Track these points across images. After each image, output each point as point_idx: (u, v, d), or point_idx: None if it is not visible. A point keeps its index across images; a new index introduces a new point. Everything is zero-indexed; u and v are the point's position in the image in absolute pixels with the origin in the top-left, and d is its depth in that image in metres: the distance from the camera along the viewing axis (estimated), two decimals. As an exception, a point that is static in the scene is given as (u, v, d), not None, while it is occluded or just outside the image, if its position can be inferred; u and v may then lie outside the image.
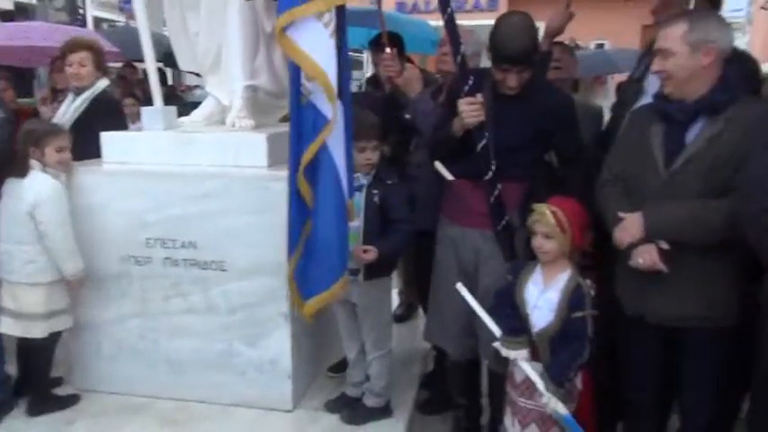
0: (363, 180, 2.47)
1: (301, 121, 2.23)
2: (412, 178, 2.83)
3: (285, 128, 2.98)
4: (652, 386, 2.15)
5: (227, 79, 2.88)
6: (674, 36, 1.88)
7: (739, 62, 2.25)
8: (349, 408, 2.65)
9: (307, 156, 2.21)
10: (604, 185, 2.16)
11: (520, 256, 2.30)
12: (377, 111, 2.73)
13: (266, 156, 2.63)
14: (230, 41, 2.80)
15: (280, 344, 2.61)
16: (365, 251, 2.37)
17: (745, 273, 1.89)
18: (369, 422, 2.61)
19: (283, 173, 2.49)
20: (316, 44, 2.12)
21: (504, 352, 2.13)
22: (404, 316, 3.72)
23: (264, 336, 2.61)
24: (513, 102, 2.28)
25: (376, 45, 3.67)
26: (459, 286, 2.31)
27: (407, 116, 2.88)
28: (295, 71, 2.20)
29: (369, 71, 7.98)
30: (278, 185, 2.48)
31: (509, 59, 2.18)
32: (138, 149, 2.79)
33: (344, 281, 2.32)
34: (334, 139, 2.22)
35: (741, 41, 10.46)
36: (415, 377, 3.11)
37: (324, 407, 2.71)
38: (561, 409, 2.01)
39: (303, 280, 2.33)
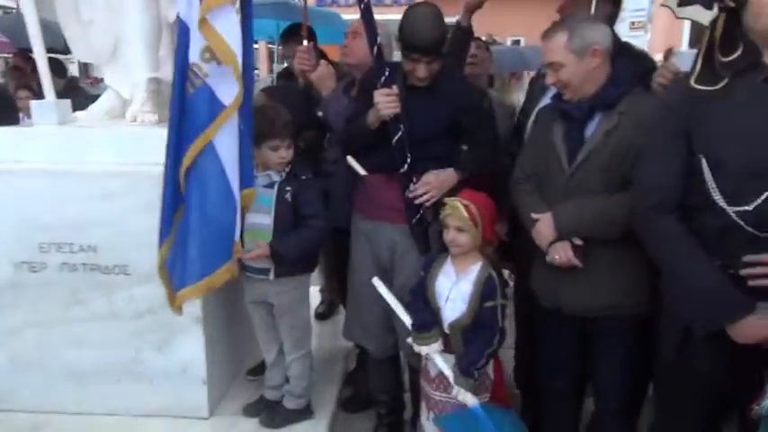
0: (276, 177, 2.39)
1: (191, 108, 2.11)
2: (327, 174, 2.77)
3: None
4: (567, 374, 2.21)
5: (127, 71, 2.70)
6: (558, 47, 1.93)
7: (636, 60, 2.35)
8: (268, 411, 2.57)
9: (198, 143, 2.11)
10: (517, 183, 2.20)
11: (434, 250, 2.30)
12: (290, 104, 2.65)
13: (171, 152, 2.48)
14: (129, 31, 2.63)
15: (192, 348, 2.48)
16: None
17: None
18: (289, 424, 2.54)
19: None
20: (231, 31, 2.05)
21: (416, 348, 2.13)
22: (325, 314, 3.66)
23: (175, 341, 2.47)
24: (425, 94, 2.27)
25: (289, 37, 3.57)
26: (375, 281, 2.29)
27: (320, 113, 2.81)
28: (181, 57, 2.08)
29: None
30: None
31: (418, 49, 2.16)
32: (31, 146, 2.56)
33: (224, 272, 2.19)
34: (225, 127, 2.13)
35: (643, 40, 11.05)
36: (337, 375, 3.07)
37: (242, 411, 2.61)
38: (470, 400, 2.02)
39: (174, 270, 2.20)
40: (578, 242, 1.96)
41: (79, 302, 2.46)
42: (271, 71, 19.33)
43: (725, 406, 1.76)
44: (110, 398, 2.54)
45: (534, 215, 2.04)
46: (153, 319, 2.46)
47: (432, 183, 2.25)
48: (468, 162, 2.31)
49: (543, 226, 2.00)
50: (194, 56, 2.08)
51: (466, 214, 2.05)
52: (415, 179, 2.27)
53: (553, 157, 2.02)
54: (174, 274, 2.18)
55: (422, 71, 2.20)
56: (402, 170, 2.26)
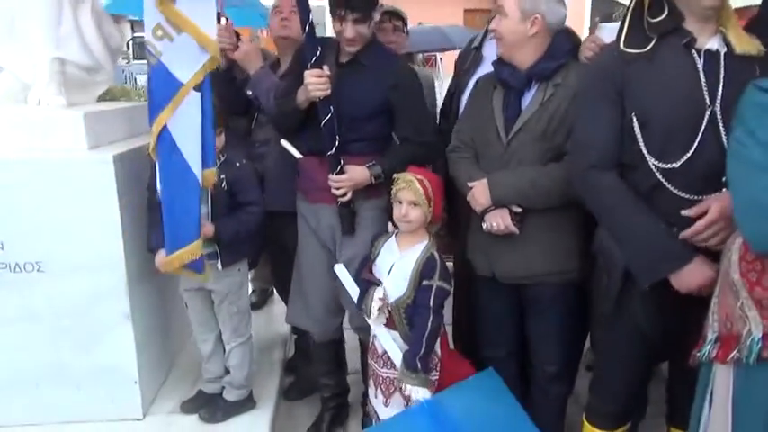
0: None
1: (150, 88, 2.06)
2: (259, 156, 2.67)
3: (104, 106, 2.67)
4: (506, 342, 2.25)
5: (26, 51, 2.46)
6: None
7: (567, 35, 2.40)
8: (208, 405, 2.45)
9: (156, 125, 2.05)
10: (453, 151, 2.20)
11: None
12: (215, 89, 2.52)
13: (85, 136, 2.29)
14: (26, 6, 2.39)
15: (122, 347, 2.32)
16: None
17: (584, 229, 2.02)
18: (231, 417, 2.44)
19: (108, 155, 2.21)
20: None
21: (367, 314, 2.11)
22: (258, 303, 3.55)
23: (102, 340, 2.30)
24: (356, 71, 2.22)
25: None
26: (338, 268, 2.23)
27: (249, 92, 2.70)
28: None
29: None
30: (102, 170, 2.18)
31: (345, 3, 2.10)
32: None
33: (187, 253, 2.11)
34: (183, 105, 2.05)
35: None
36: (276, 364, 2.98)
37: (179, 409, 2.48)
38: (422, 394, 1.99)
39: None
40: (517, 209, 1.99)
41: (-13, 305, 2.24)
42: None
43: (659, 357, 1.86)
44: (29, 407, 2.33)
45: (470, 183, 2.05)
46: (76, 319, 2.28)
47: (344, 181, 2.20)
48: (386, 161, 2.23)
49: (479, 193, 2.02)
50: (147, 33, 2.00)
51: (421, 189, 2.03)
52: (343, 161, 2.22)
53: (491, 126, 2.04)
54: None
55: (349, 31, 2.13)
56: (330, 153, 2.19)
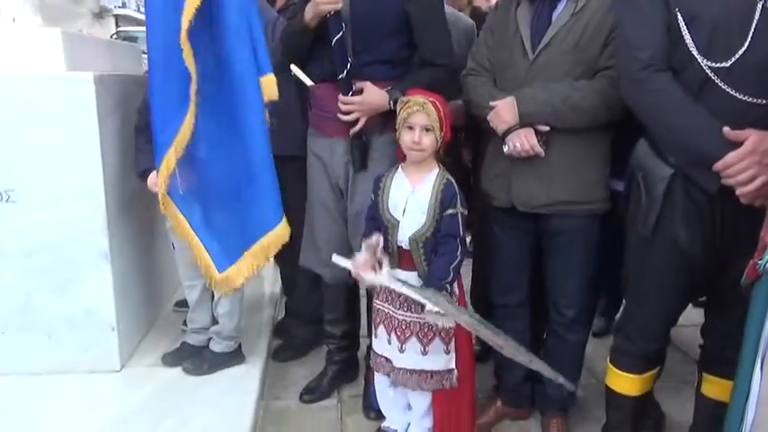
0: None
1: None
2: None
3: (86, 35, 2.47)
4: (519, 288, 2.10)
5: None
6: None
7: None
8: (193, 357, 2.25)
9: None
10: (469, 75, 2.03)
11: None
12: None
13: (63, 57, 2.08)
14: None
15: (99, 289, 2.11)
16: None
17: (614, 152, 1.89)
18: (218, 370, 2.24)
19: (88, 75, 2.01)
20: None
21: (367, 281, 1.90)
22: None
23: (77, 281, 2.10)
24: None
25: None
26: (335, 257, 2.05)
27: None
28: None
29: None
30: (82, 91, 1.99)
31: None
32: None
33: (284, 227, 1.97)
34: None
35: None
36: (265, 324, 2.78)
37: (161, 361, 2.27)
38: (446, 322, 1.83)
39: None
40: (544, 128, 1.83)
41: (-52, 238, 2.02)
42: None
43: (698, 288, 1.70)
44: (-7, 355, 2.12)
45: (493, 102, 1.89)
46: (49, 256, 2.07)
47: (358, 104, 2.00)
48: (404, 84, 2.04)
49: (504, 109, 1.85)
50: None
51: (435, 112, 1.85)
52: (356, 87, 2.03)
53: (515, 43, 1.89)
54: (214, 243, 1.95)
55: None
56: (341, 75, 2.01)
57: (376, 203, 2.00)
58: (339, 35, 1.97)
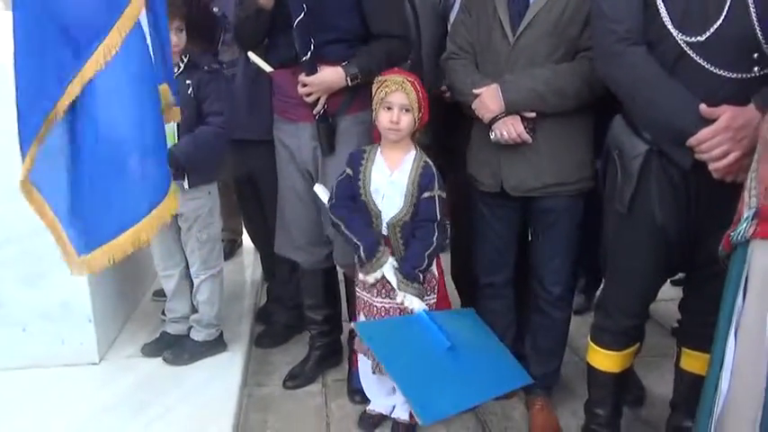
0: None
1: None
2: (226, 78, 2.42)
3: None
4: (505, 267, 2.12)
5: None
6: None
7: None
8: (173, 347, 2.22)
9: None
10: (450, 58, 2.01)
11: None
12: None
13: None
14: None
15: (74, 280, 2.03)
16: None
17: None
18: (200, 359, 2.22)
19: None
20: None
21: (370, 277, 1.91)
22: (227, 253, 3.31)
23: (50, 272, 2.04)
24: None
25: None
26: (318, 188, 2.03)
27: (215, 9, 2.44)
28: None
29: None
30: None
31: None
32: None
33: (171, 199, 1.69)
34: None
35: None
36: (247, 311, 2.76)
37: (140, 352, 2.24)
38: (417, 305, 1.85)
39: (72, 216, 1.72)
40: (530, 115, 1.82)
41: None
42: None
43: (675, 264, 1.71)
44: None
45: (476, 90, 1.87)
46: (19, 247, 2.01)
47: (313, 84, 1.96)
48: (359, 59, 2.00)
49: (489, 98, 1.84)
50: None
51: (413, 91, 1.83)
52: (319, 69, 1.98)
53: (495, 25, 1.86)
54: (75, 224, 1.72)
55: None
56: (304, 58, 1.95)
57: (354, 182, 1.97)
58: (301, 16, 1.92)
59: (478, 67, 1.96)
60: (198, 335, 2.23)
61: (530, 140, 1.84)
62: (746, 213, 1.28)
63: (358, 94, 2.03)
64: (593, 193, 1.93)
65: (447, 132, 2.26)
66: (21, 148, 1.66)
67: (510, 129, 1.84)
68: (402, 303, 1.88)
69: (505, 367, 1.96)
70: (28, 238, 2.00)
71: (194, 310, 2.25)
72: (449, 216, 2.01)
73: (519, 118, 1.84)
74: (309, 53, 1.95)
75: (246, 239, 3.21)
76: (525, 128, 1.84)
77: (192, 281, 2.23)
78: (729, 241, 1.31)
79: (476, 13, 1.95)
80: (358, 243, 1.88)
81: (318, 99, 1.99)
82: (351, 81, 1.96)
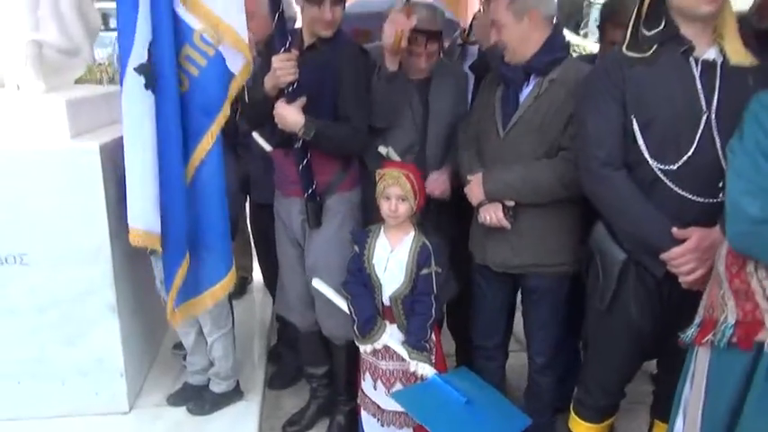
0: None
1: (202, 83, 1.95)
2: (244, 148, 2.63)
3: (85, 91, 2.57)
4: (496, 333, 2.32)
5: (2, 33, 2.34)
6: (500, 7, 1.98)
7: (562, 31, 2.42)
8: (195, 398, 2.44)
9: (215, 127, 1.97)
10: (460, 147, 2.24)
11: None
12: None
13: (68, 125, 2.21)
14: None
15: (107, 339, 2.28)
16: None
17: (580, 225, 2.06)
18: (219, 409, 2.44)
19: (94, 145, 2.14)
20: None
21: (366, 347, 2.14)
22: (238, 291, 3.52)
23: (87, 333, 2.26)
24: (317, 55, 2.18)
25: None
26: (316, 282, 2.23)
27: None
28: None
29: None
30: (88, 161, 2.12)
31: None
32: None
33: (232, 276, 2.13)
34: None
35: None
36: (260, 353, 2.98)
37: (166, 402, 2.46)
38: (429, 371, 2.07)
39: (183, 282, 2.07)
40: (509, 203, 2.03)
41: (-33, 299, 2.16)
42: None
43: (650, 354, 1.93)
44: (11, 403, 2.28)
45: (469, 176, 2.09)
46: (60, 312, 2.22)
47: (277, 111, 2.12)
48: (321, 125, 2.13)
49: (475, 185, 2.07)
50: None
51: (408, 184, 2.05)
52: (310, 154, 2.19)
53: (491, 120, 2.08)
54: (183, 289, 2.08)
55: (328, 13, 2.09)
56: (296, 145, 2.16)
57: (360, 257, 2.20)
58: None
59: (480, 157, 2.17)
60: (217, 387, 2.45)
61: (508, 226, 2.04)
62: (696, 320, 1.53)
63: (346, 176, 2.27)
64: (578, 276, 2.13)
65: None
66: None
67: (491, 214, 2.05)
68: (415, 372, 2.09)
69: (509, 413, 2.15)
70: (68, 303, 2.22)
71: (212, 363, 2.47)
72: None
73: (500, 205, 2.04)
74: (300, 141, 2.15)
75: (257, 277, 3.42)
76: (505, 215, 2.04)
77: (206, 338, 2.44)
78: (682, 340, 1.55)
79: (480, 111, 2.17)
80: (355, 318, 2.12)
81: (313, 179, 2.21)
82: (300, 134, 2.11)
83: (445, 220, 2.41)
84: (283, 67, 2.04)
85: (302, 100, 2.10)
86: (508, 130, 2.04)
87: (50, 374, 2.28)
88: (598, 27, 2.56)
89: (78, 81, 2.87)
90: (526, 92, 2.03)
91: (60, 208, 2.14)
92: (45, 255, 2.17)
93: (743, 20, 2.10)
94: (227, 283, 2.13)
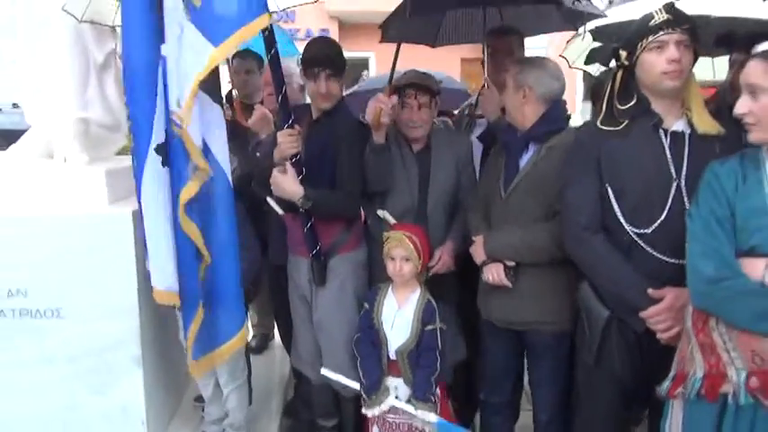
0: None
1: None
2: (263, 212, 2.85)
3: (123, 162, 2.85)
4: (504, 389, 2.41)
5: (54, 111, 2.66)
6: (509, 73, 2.24)
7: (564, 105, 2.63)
8: (211, 447, 2.57)
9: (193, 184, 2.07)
10: (469, 209, 2.42)
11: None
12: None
13: (106, 193, 2.48)
14: (56, 69, 2.60)
15: (131, 389, 2.44)
16: None
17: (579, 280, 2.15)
18: (233, 458, 2.56)
19: (126, 210, 2.39)
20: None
21: (371, 412, 2.29)
22: (259, 347, 3.68)
23: (113, 383, 2.43)
24: (321, 128, 2.43)
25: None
26: (324, 371, 2.39)
27: (257, 154, 2.88)
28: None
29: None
30: (122, 225, 2.36)
31: (315, 60, 2.34)
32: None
33: (243, 333, 2.29)
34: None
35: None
36: (276, 406, 3.09)
37: (184, 450, 2.60)
38: (432, 417, 2.19)
39: (201, 336, 2.24)
40: (510, 264, 2.17)
41: (9, 349, 2.37)
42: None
43: (634, 404, 2.00)
44: (41, 447, 2.45)
45: (474, 237, 2.27)
46: (89, 362, 2.41)
47: (274, 179, 2.34)
48: (319, 194, 2.35)
49: (477, 247, 2.23)
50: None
51: (411, 245, 2.22)
52: (314, 219, 2.38)
53: (495, 184, 2.27)
54: (200, 341, 2.23)
55: (322, 86, 2.34)
56: (301, 209, 2.36)
57: (370, 312, 2.35)
58: (301, 176, 2.34)
59: (486, 219, 2.33)
60: (231, 437, 2.58)
61: (510, 285, 2.17)
62: (671, 374, 1.62)
63: (349, 237, 2.46)
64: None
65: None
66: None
67: (494, 274, 2.19)
68: (422, 417, 2.21)
69: None
70: (98, 354, 2.41)
71: (227, 414, 2.60)
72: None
73: (501, 266, 2.18)
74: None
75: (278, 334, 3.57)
76: (507, 274, 2.17)
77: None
78: (658, 393, 1.64)
79: (487, 176, 2.37)
80: (363, 380, 2.27)
81: (317, 240, 2.39)
82: (298, 202, 2.31)
83: (452, 283, 2.55)
84: (286, 141, 2.27)
85: (292, 171, 2.31)
86: (509, 194, 2.21)
87: (79, 422, 2.44)
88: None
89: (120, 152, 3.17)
90: (526, 158, 2.21)
91: (95, 267, 2.35)
92: (79, 309, 2.37)
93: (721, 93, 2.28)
94: (238, 339, 2.29)
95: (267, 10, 1.94)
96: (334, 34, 14.45)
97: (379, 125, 2.33)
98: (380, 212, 2.47)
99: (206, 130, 2.10)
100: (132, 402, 2.47)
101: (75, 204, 2.43)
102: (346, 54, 2.49)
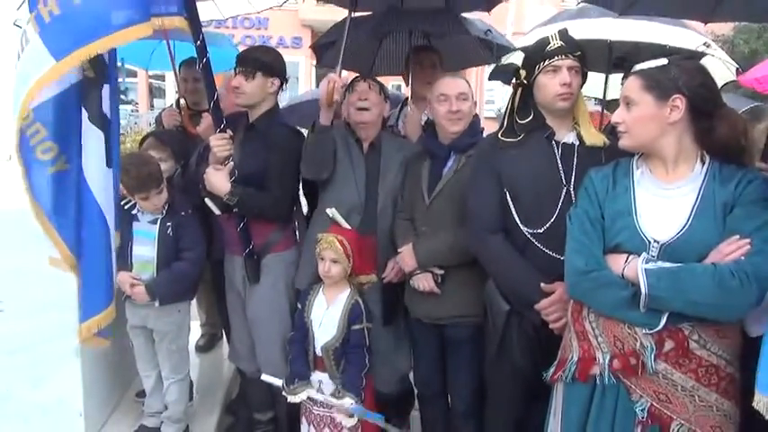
0: (158, 214, 2.58)
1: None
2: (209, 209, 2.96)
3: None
4: (433, 382, 2.56)
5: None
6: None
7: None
8: (149, 440, 2.67)
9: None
10: (397, 217, 2.56)
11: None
12: (175, 148, 2.87)
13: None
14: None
15: (69, 381, 2.54)
16: (132, 285, 2.50)
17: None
18: (169, 450, 2.65)
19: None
20: None
21: (292, 399, 2.42)
22: (207, 346, 3.77)
23: (51, 375, 2.52)
24: (254, 133, 2.56)
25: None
26: (265, 376, 2.51)
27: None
28: None
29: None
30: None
31: (239, 59, 2.49)
32: None
33: (108, 313, 2.37)
34: (94, 173, 2.26)
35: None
36: (217, 403, 3.18)
37: (121, 442, 2.69)
38: (348, 402, 2.34)
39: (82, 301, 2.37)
40: (438, 272, 2.34)
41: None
42: (151, 106, 18.35)
43: (536, 395, 2.17)
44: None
45: (400, 248, 2.42)
46: (28, 355, 2.50)
47: (207, 175, 2.47)
48: (246, 192, 2.46)
49: (406, 256, 2.38)
50: None
51: (340, 248, 2.36)
52: (246, 219, 2.52)
53: (418, 190, 2.42)
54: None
55: (235, 80, 2.47)
56: (235, 210, 2.49)
57: (302, 311, 2.49)
58: (234, 177, 2.48)
59: (412, 223, 2.47)
60: (168, 429, 2.68)
61: (439, 292, 2.33)
62: (556, 361, 1.79)
63: (281, 237, 2.60)
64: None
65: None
66: None
67: (423, 284, 2.35)
68: (340, 405, 2.35)
69: None
70: (35, 347, 2.50)
71: (166, 406, 2.70)
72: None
73: (430, 275, 2.34)
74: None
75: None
76: (435, 281, 2.33)
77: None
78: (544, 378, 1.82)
79: (411, 183, 2.50)
80: (290, 371, 2.41)
81: (250, 239, 2.52)
82: (225, 199, 2.44)
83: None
84: (218, 145, 2.42)
85: (230, 166, 2.45)
86: (432, 199, 2.37)
87: (15, 414, 2.52)
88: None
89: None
90: (448, 166, 2.39)
91: (32, 261, 2.45)
92: (17, 303, 2.46)
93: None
94: (105, 316, 2.35)
95: (147, 19, 2.02)
96: (306, 42, 14.64)
97: (331, 103, 2.43)
98: (329, 211, 2.59)
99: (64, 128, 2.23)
100: (70, 394, 2.55)
101: (11, 199, 2.52)
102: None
